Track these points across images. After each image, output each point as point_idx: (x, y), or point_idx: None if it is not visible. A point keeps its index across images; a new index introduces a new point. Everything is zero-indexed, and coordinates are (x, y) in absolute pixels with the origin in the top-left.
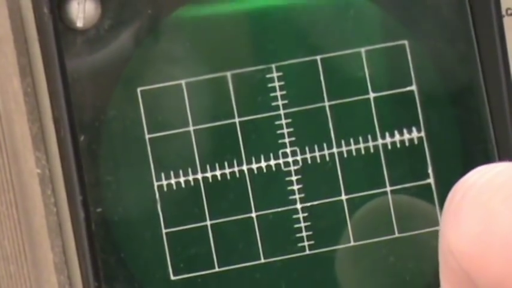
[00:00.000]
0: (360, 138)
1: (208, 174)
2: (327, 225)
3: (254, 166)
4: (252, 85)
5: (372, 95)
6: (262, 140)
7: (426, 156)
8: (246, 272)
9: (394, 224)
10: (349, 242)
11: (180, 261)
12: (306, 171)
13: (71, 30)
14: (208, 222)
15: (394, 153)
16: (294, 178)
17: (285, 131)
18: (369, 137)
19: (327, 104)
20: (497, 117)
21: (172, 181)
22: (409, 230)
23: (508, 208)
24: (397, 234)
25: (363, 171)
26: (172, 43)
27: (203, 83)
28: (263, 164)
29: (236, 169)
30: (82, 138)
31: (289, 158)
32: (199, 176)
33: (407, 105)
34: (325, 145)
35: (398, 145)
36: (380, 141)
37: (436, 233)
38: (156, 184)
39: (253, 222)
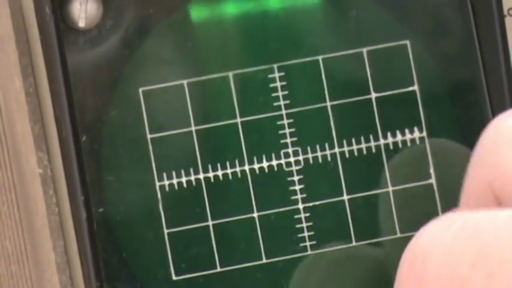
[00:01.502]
0: (362, 139)
1: (210, 175)
2: (329, 225)
3: (256, 166)
4: (253, 85)
5: (373, 95)
6: (264, 140)
7: (428, 156)
8: (248, 272)
9: (396, 224)
10: (351, 242)
11: (182, 261)
12: (308, 171)
13: (72, 30)
14: (210, 223)
15: (395, 154)
16: (295, 178)
17: (287, 131)
18: (371, 137)
19: (328, 104)
20: None
21: (174, 181)
22: (410, 230)
23: (479, 275)
24: (398, 235)
25: (365, 171)
26: (174, 43)
27: (205, 83)
28: (265, 164)
29: (238, 169)
30: (84, 138)
31: (291, 158)
32: (201, 176)
33: (409, 105)
34: (327, 145)
35: (400, 145)
36: (382, 142)
37: None
38: (157, 184)
39: (255, 223)
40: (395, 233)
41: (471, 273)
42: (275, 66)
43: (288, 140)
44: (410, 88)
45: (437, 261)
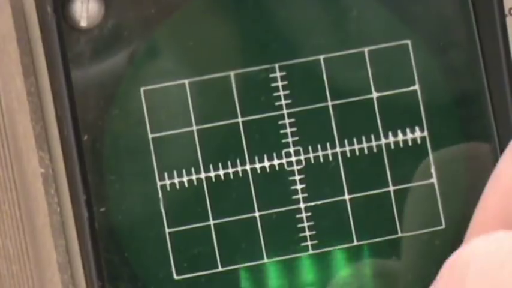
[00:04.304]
0: (363, 138)
1: (212, 174)
2: (330, 225)
3: (257, 166)
4: (255, 85)
5: (375, 95)
6: (266, 139)
7: (429, 156)
8: (249, 272)
9: (397, 224)
10: (352, 241)
11: (184, 260)
12: (309, 170)
13: (74, 30)
14: (212, 222)
15: (397, 153)
16: (297, 178)
17: (288, 130)
18: (372, 136)
19: (330, 103)
20: (500, 117)
21: (176, 181)
22: (411, 229)
23: None
24: (399, 234)
25: (366, 170)
26: (175, 43)
27: (206, 82)
28: (266, 164)
29: (239, 169)
30: (85, 137)
31: (293, 158)
32: (203, 175)
33: (410, 105)
34: (328, 145)
35: (401, 145)
36: (383, 141)
37: (439, 232)
38: (159, 184)
39: (257, 222)
40: (397, 233)
41: (510, 279)
42: (276, 65)
43: (290, 140)
44: (412, 88)
45: (478, 267)
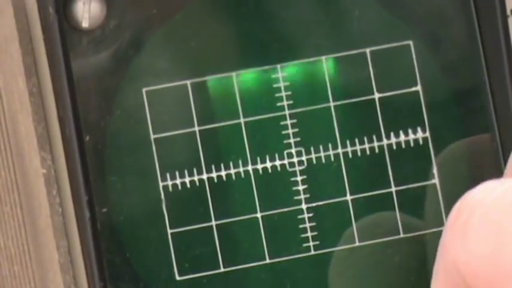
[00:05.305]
0: (365, 139)
1: (214, 175)
2: (332, 225)
3: (259, 166)
4: (257, 85)
5: (377, 96)
6: (268, 140)
7: (431, 157)
8: (251, 273)
9: (399, 225)
10: (354, 242)
11: (186, 261)
12: (311, 171)
13: (76, 30)
14: (214, 223)
15: (399, 154)
16: (299, 178)
17: (290, 131)
18: (374, 137)
19: (332, 104)
20: (502, 118)
21: (178, 181)
22: (413, 230)
23: None
24: (402, 235)
25: (368, 171)
26: (177, 43)
27: (208, 83)
28: (268, 165)
29: (241, 169)
30: (87, 138)
31: (295, 159)
32: (205, 176)
33: (412, 106)
34: (330, 145)
35: (403, 145)
36: (385, 142)
37: (441, 233)
38: (161, 184)
39: (259, 223)
40: (399, 234)
41: None
42: (278, 66)
43: (291, 140)
44: (414, 88)
45: (483, 212)
